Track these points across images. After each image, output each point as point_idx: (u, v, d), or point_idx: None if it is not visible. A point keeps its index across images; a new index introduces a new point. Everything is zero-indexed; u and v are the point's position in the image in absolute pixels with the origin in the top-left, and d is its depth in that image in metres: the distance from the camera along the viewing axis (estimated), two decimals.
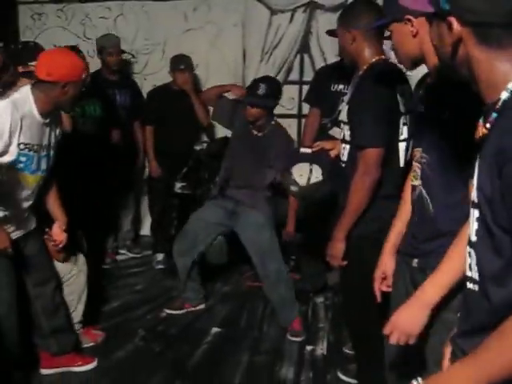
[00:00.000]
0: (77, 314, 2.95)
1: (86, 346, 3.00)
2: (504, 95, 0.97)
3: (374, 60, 2.16)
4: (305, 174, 2.49)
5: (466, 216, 1.10)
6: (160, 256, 4.30)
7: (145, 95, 4.39)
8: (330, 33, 3.18)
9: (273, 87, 3.16)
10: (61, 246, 2.64)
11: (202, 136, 4.60)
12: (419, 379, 1.12)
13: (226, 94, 3.47)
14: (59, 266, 2.81)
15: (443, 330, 1.42)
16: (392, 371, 1.86)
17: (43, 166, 2.44)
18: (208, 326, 3.34)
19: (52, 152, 2.49)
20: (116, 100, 4.20)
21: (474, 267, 1.06)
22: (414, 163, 1.70)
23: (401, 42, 1.69)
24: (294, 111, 4.67)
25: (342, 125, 2.26)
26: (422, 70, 1.75)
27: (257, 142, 3.23)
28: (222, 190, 3.31)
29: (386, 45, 2.27)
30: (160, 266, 4.26)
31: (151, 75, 4.76)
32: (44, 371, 2.75)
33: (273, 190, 3.32)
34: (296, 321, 3.25)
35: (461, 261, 1.18)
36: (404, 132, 2.16)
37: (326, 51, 4.44)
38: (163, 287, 3.90)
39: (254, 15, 4.61)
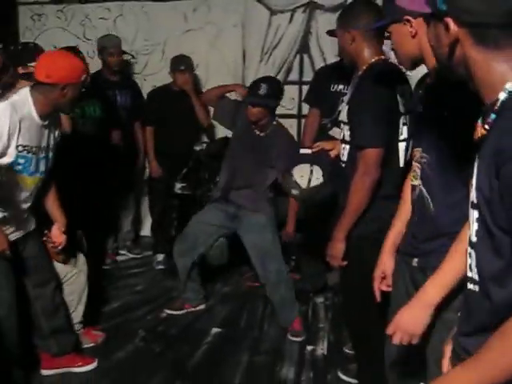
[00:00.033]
0: (77, 315, 2.95)
1: (86, 346, 3.00)
2: (502, 96, 0.98)
3: (373, 60, 2.16)
4: (305, 175, 2.49)
5: (466, 216, 1.10)
6: (160, 256, 4.30)
7: (145, 96, 4.39)
8: (331, 33, 3.18)
9: (274, 87, 3.16)
10: (60, 247, 2.64)
11: (202, 136, 4.60)
12: None
13: (227, 95, 3.47)
14: (59, 267, 2.81)
15: (444, 329, 1.43)
16: (392, 371, 1.86)
17: (42, 167, 2.44)
18: (208, 326, 3.34)
19: (51, 154, 2.49)
20: (116, 101, 4.20)
21: (475, 268, 1.06)
22: (413, 163, 1.70)
23: (400, 43, 1.70)
24: (294, 111, 4.67)
25: (341, 125, 2.26)
26: (422, 70, 1.75)
27: (259, 141, 3.22)
28: (224, 193, 3.30)
29: (386, 45, 2.27)
30: (160, 267, 4.26)
31: (151, 76, 4.77)
32: (44, 372, 2.76)
33: (274, 190, 3.32)
34: (296, 321, 3.25)
35: (462, 261, 1.18)
36: (404, 132, 2.16)
37: (326, 51, 4.44)
38: (163, 288, 3.90)
39: (253, 16, 4.61)
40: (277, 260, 3.25)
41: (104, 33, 4.44)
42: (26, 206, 2.47)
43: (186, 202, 4.20)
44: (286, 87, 3.92)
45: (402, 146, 2.16)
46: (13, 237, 2.40)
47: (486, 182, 0.97)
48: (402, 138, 2.16)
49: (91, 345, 3.03)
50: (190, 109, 4.07)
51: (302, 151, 2.62)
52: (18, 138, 2.25)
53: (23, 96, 2.30)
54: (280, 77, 4.54)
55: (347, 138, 2.19)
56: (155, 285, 4.01)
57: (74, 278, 2.90)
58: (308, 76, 4.41)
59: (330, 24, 3.45)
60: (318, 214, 3.15)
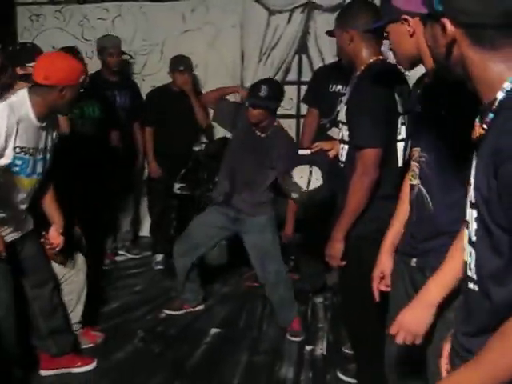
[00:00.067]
0: (76, 314, 2.95)
1: (85, 346, 3.00)
2: (500, 95, 0.98)
3: (371, 60, 2.16)
4: (305, 176, 2.49)
5: (465, 215, 1.11)
6: (159, 257, 4.30)
7: (143, 96, 4.39)
8: (330, 33, 3.18)
9: (274, 89, 3.16)
10: (57, 249, 2.64)
11: (201, 137, 4.60)
12: None
13: (227, 97, 3.47)
14: (57, 267, 2.81)
15: (444, 328, 1.43)
16: (393, 371, 1.86)
17: (39, 169, 2.44)
18: (207, 326, 3.34)
19: (48, 155, 2.49)
20: (116, 101, 4.20)
21: (474, 267, 1.06)
22: (412, 163, 1.70)
23: (398, 42, 1.70)
24: (293, 112, 4.67)
25: (340, 125, 2.26)
26: (420, 70, 1.75)
27: (259, 142, 3.23)
28: (227, 198, 3.30)
29: (385, 45, 2.27)
30: (159, 267, 4.26)
31: (149, 76, 4.76)
32: (43, 372, 2.76)
33: (274, 190, 3.32)
34: (295, 321, 3.25)
35: (462, 260, 1.18)
36: (402, 132, 2.16)
37: (324, 51, 4.44)
38: (162, 288, 3.90)
39: (251, 16, 4.61)
40: (276, 260, 3.25)
41: (102, 33, 4.44)
42: (23, 207, 2.47)
43: (185, 202, 4.20)
44: (285, 87, 3.91)
45: (400, 145, 2.16)
46: (10, 237, 2.40)
47: (485, 182, 0.98)
48: (400, 137, 2.16)
49: (90, 345, 3.03)
50: (189, 109, 4.07)
51: (301, 152, 2.62)
52: (15, 140, 2.25)
53: (21, 97, 2.30)
54: (278, 77, 4.54)
55: (346, 138, 2.20)
56: (154, 285, 4.01)
57: (72, 277, 2.90)
58: (306, 76, 4.42)
59: (329, 24, 3.45)
60: (316, 214, 3.16)
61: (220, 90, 3.48)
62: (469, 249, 1.08)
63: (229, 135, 3.58)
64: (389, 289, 1.84)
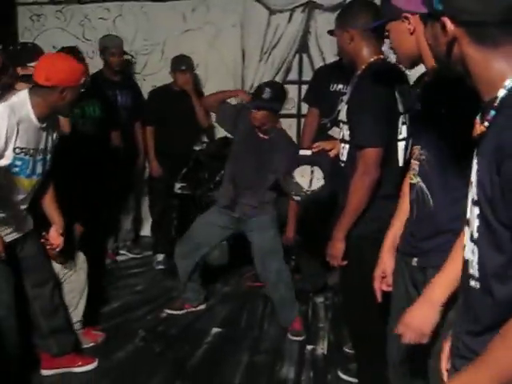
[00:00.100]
0: (77, 313, 2.95)
1: (86, 346, 3.00)
2: (501, 93, 0.98)
3: (372, 59, 2.15)
4: (307, 176, 2.49)
5: (465, 212, 1.11)
6: (160, 256, 4.30)
7: (145, 96, 4.39)
8: (331, 33, 3.18)
9: (277, 91, 3.17)
10: (58, 249, 2.64)
11: (202, 136, 4.60)
12: None
13: (228, 100, 3.47)
14: (58, 266, 2.81)
15: (447, 328, 1.42)
16: (395, 371, 1.86)
17: (38, 170, 2.44)
18: (208, 326, 3.34)
19: (48, 156, 2.49)
20: (117, 100, 4.21)
21: (476, 265, 1.06)
22: (412, 161, 1.70)
23: (398, 40, 1.69)
24: (293, 111, 4.67)
25: (341, 124, 2.26)
26: (421, 69, 1.75)
27: (262, 145, 3.24)
28: (231, 203, 3.29)
29: (386, 45, 2.27)
30: (160, 267, 4.26)
31: (150, 76, 4.77)
32: (44, 372, 2.76)
33: (276, 190, 3.32)
34: (297, 320, 3.25)
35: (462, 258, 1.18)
36: (403, 131, 2.16)
37: (325, 51, 4.44)
38: (163, 288, 3.90)
39: (252, 15, 4.61)
40: (278, 260, 3.26)
41: (103, 33, 4.45)
42: (23, 207, 2.47)
43: (185, 201, 4.21)
44: (286, 87, 3.92)
45: (401, 145, 2.16)
46: (10, 237, 2.40)
47: (487, 179, 0.98)
48: (401, 137, 2.16)
49: (91, 345, 3.03)
50: (190, 109, 4.07)
51: (302, 152, 2.62)
52: (15, 141, 2.25)
53: (22, 98, 2.30)
54: (279, 76, 4.55)
55: (347, 138, 2.19)
56: (155, 285, 4.01)
57: (73, 276, 2.90)
58: (307, 76, 4.41)
59: (329, 23, 3.45)
60: (317, 213, 3.16)
61: (221, 94, 3.48)
62: (470, 246, 1.08)
63: (230, 135, 3.59)
64: (390, 288, 1.83)
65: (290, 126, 4.29)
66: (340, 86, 3.41)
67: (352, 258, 2.22)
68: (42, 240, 2.60)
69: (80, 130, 3.64)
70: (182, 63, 4.08)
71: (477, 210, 1.03)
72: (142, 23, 4.78)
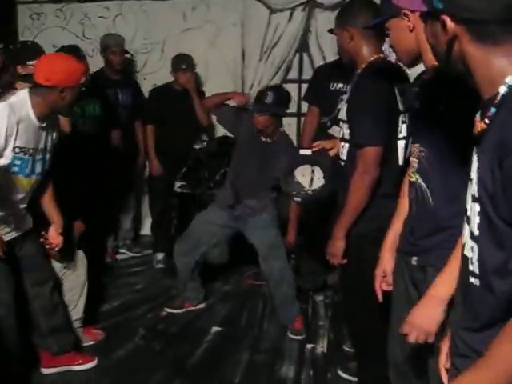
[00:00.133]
0: (77, 311, 2.96)
1: (86, 344, 3.01)
2: (502, 90, 0.98)
3: (372, 58, 2.15)
4: (307, 175, 2.50)
5: (465, 210, 1.11)
6: (160, 255, 4.30)
7: (145, 94, 4.38)
8: (332, 31, 3.17)
9: (280, 95, 3.19)
10: (57, 248, 2.65)
11: (202, 135, 4.60)
12: None
13: (227, 102, 3.48)
14: (57, 264, 2.82)
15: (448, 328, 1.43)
16: (396, 370, 1.86)
17: (38, 169, 2.44)
18: (208, 324, 3.35)
19: (48, 155, 2.49)
20: (118, 99, 4.21)
21: (476, 261, 1.06)
22: (411, 159, 1.70)
23: (398, 38, 1.69)
24: (293, 110, 4.66)
25: (341, 123, 2.26)
26: (421, 68, 1.75)
27: (265, 148, 3.26)
28: (232, 205, 3.30)
29: (386, 44, 2.27)
30: (160, 266, 4.26)
31: (150, 74, 4.77)
32: (45, 370, 2.76)
33: (277, 190, 3.32)
34: (298, 319, 3.26)
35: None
36: (403, 130, 2.16)
37: (325, 50, 4.44)
38: (163, 286, 3.91)
39: (252, 14, 4.60)
40: (281, 257, 3.27)
41: (103, 32, 4.44)
42: (22, 206, 2.48)
43: (185, 200, 4.21)
44: (286, 86, 3.93)
45: (401, 144, 2.16)
46: (9, 236, 2.40)
47: (489, 176, 0.98)
48: (401, 136, 2.16)
49: (91, 343, 3.04)
50: (190, 108, 4.07)
51: (302, 152, 2.62)
52: (15, 140, 2.25)
53: (22, 98, 2.30)
54: (279, 75, 4.55)
55: (346, 137, 2.19)
56: (155, 283, 4.01)
57: (72, 274, 2.90)
58: (307, 74, 4.41)
59: (330, 22, 3.45)
60: (317, 212, 3.16)
61: (221, 96, 3.49)
62: (470, 243, 1.08)
63: (230, 134, 3.59)
64: (391, 288, 1.83)
65: (289, 125, 4.29)
66: (340, 85, 3.41)
67: (352, 256, 2.22)
68: (41, 239, 2.60)
69: (80, 128, 3.63)
70: (182, 62, 4.08)
71: (477, 207, 1.03)
72: (142, 22, 4.77)
